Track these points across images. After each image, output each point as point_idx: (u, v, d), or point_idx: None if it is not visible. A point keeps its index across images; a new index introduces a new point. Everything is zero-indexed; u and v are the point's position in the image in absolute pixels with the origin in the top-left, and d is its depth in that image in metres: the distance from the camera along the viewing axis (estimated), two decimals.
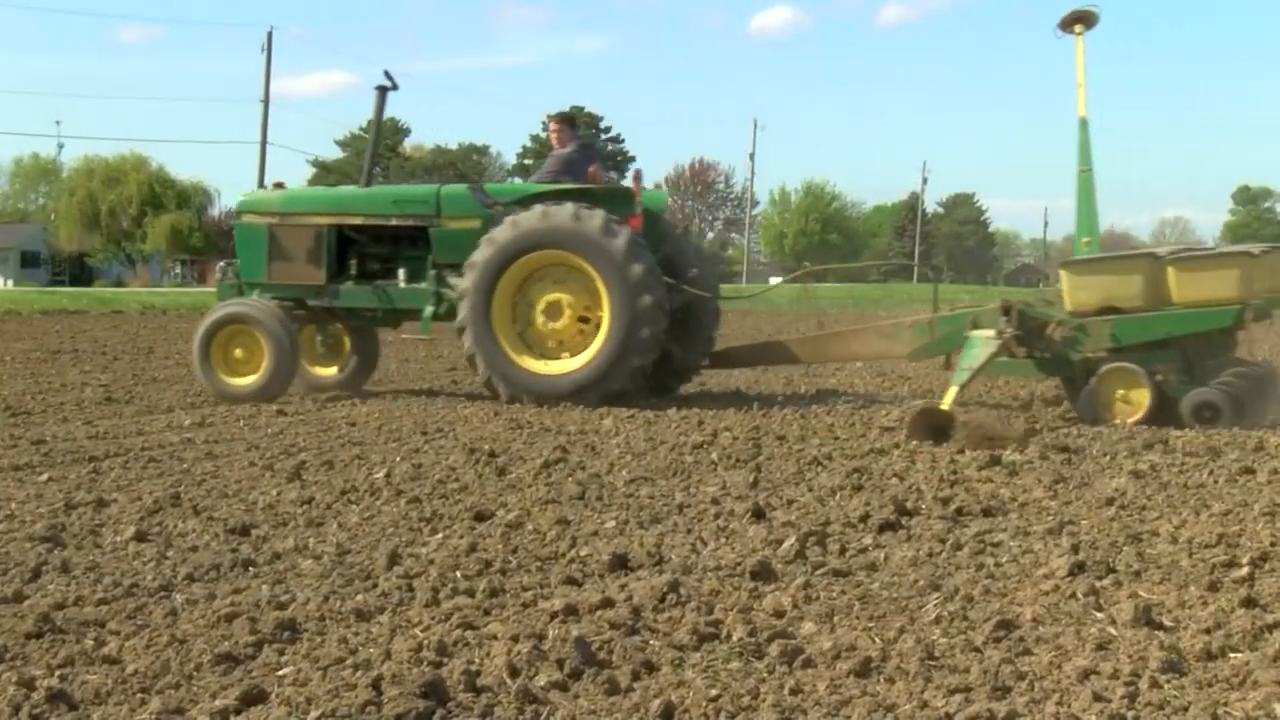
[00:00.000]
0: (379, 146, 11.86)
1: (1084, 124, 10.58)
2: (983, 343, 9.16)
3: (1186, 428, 8.34)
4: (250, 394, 10.65)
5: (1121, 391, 8.93)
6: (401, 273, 11.22)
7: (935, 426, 8.11)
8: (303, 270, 11.38)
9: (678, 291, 10.66)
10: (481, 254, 10.40)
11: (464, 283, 10.45)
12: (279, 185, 12.52)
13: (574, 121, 11.50)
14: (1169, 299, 9.08)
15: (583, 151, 11.46)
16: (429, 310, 10.93)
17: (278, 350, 10.77)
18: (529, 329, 10.55)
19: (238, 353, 10.96)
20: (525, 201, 10.64)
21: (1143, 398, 8.83)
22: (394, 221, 11.30)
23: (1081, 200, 11.11)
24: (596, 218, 10.19)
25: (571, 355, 10.45)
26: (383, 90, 11.62)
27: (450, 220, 11.02)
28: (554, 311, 10.47)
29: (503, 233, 10.38)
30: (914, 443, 7.87)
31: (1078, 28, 10.58)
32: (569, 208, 10.30)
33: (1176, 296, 9.06)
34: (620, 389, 10.23)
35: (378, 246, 11.50)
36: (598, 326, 10.33)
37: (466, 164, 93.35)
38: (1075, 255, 10.28)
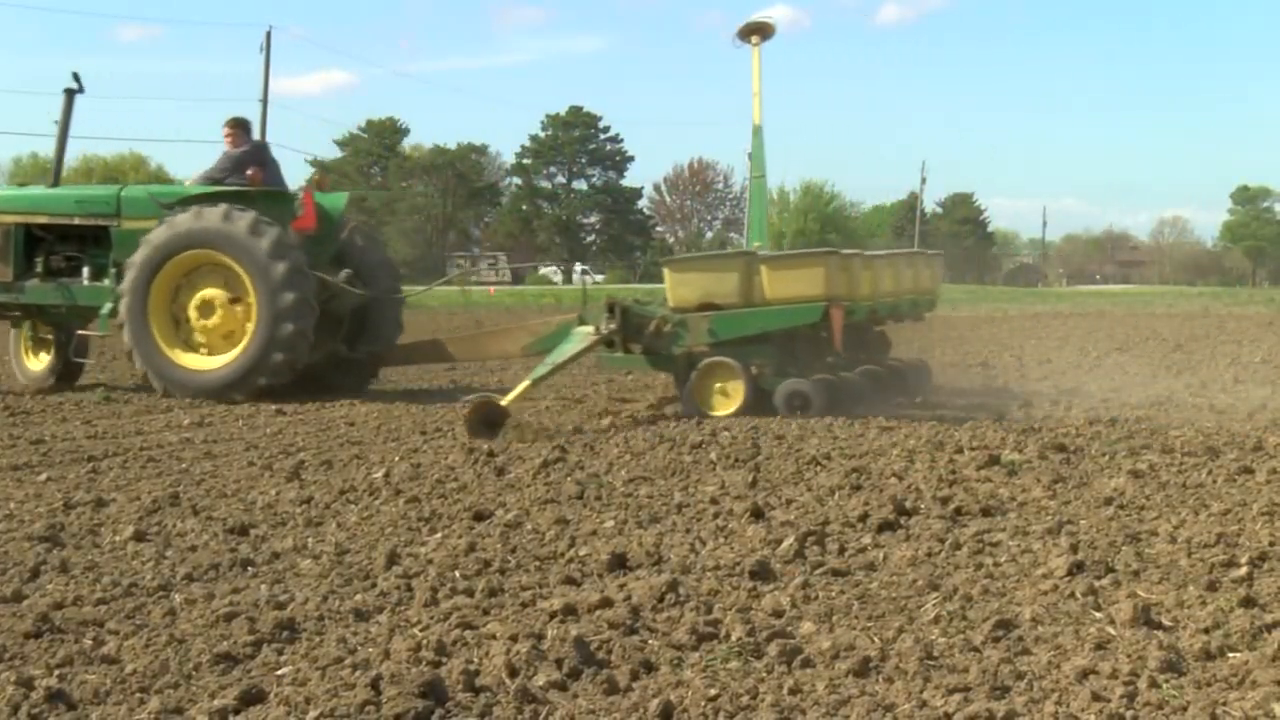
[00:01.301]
0: (65, 146, 12.76)
1: (758, 131, 11.17)
2: (578, 339, 9.74)
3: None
4: None
5: (719, 384, 9.38)
6: (85, 271, 11.71)
7: (490, 421, 8.49)
8: None
9: (342, 292, 11.19)
10: (139, 254, 10.91)
11: (123, 282, 10.91)
12: None
13: (248, 125, 11.87)
14: (763, 296, 9.56)
15: (253, 154, 11.74)
16: (107, 308, 11.27)
17: None
18: (185, 326, 11.00)
19: None
20: (187, 203, 11.09)
21: (738, 390, 9.28)
22: (77, 221, 11.83)
23: (754, 205, 11.75)
24: (245, 218, 10.68)
25: (223, 351, 10.89)
26: (70, 93, 12.08)
27: (129, 221, 11.51)
28: (207, 309, 10.93)
29: (159, 234, 10.89)
30: (471, 437, 8.25)
31: (754, 38, 11.21)
32: (222, 208, 10.78)
33: (769, 294, 9.55)
34: (268, 384, 10.68)
35: (64, 246, 11.99)
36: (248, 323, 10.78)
37: (465, 164, 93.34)
38: None
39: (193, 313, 10.93)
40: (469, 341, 12.10)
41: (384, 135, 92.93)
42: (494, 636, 3.72)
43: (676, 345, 9.63)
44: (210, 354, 10.93)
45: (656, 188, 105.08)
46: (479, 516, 5.61)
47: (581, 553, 4.87)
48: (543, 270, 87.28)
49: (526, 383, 9.22)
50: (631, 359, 10.03)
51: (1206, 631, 3.74)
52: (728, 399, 9.31)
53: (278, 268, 10.53)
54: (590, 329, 9.77)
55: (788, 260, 10.05)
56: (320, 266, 11.14)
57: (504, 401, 8.78)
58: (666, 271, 10.21)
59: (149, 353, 10.87)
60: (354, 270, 11.47)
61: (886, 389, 10.37)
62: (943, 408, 10.23)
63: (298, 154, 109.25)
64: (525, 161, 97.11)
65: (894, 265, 10.86)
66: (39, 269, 11.91)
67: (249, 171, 11.48)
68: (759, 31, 11.06)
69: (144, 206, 11.46)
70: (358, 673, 3.38)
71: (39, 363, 12.44)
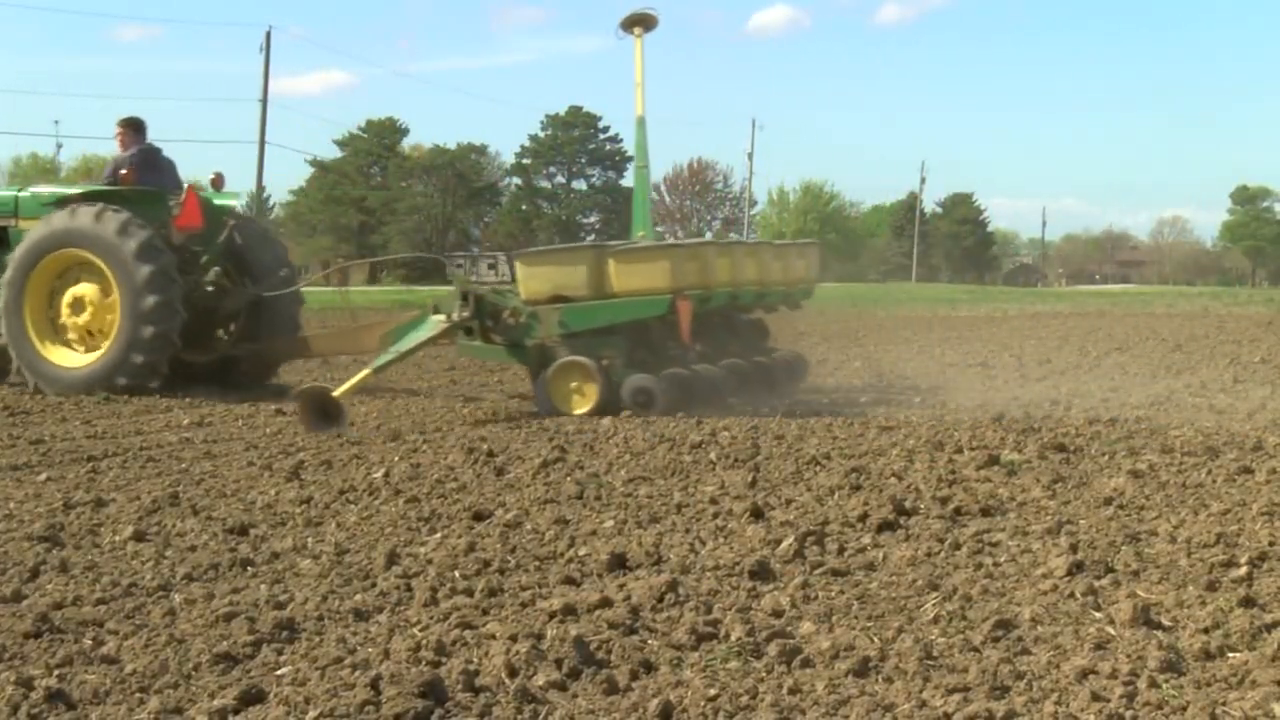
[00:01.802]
0: None
1: (641, 123, 11.26)
2: (429, 326, 9.90)
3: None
4: None
5: (575, 384, 9.52)
6: None
7: (324, 411, 8.64)
8: None
9: (224, 291, 11.55)
10: (17, 251, 11.22)
11: (4, 277, 11.16)
12: None
13: (139, 126, 11.96)
14: (611, 288, 9.71)
15: (137, 156, 11.79)
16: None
17: None
18: (59, 323, 11.20)
19: None
20: (66, 202, 11.33)
21: (593, 390, 9.42)
22: None
23: (637, 196, 11.76)
24: (116, 219, 10.81)
25: (90, 350, 11.07)
26: None
27: (26, 221, 11.76)
28: (78, 306, 11.10)
29: (35, 232, 11.18)
30: (308, 429, 8.51)
31: (637, 30, 11.29)
32: (96, 208, 10.94)
33: (617, 286, 9.70)
34: (129, 384, 10.77)
35: None
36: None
37: (465, 164, 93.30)
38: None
39: (65, 310, 11.11)
40: (334, 337, 12.15)
41: (384, 135, 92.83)
42: (494, 636, 3.72)
43: (529, 337, 9.77)
44: (81, 351, 11.10)
45: (656, 188, 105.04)
46: (479, 516, 5.61)
47: (581, 553, 4.87)
48: None
49: (367, 371, 9.33)
50: (491, 349, 10.14)
51: (1206, 631, 3.74)
52: (584, 398, 9.43)
53: (143, 270, 10.66)
54: (442, 317, 9.91)
55: (634, 253, 10.09)
56: (206, 266, 11.38)
57: (336, 392, 8.85)
58: (518, 264, 10.36)
59: (22, 347, 11.08)
60: (240, 268, 11.70)
61: (751, 383, 10.38)
62: (943, 408, 10.23)
63: (298, 154, 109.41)
64: (525, 161, 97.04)
65: (757, 254, 10.88)
66: None
67: (121, 172, 11.59)
68: (641, 23, 11.14)
69: (37, 207, 11.72)
70: (357, 673, 3.38)
71: None
